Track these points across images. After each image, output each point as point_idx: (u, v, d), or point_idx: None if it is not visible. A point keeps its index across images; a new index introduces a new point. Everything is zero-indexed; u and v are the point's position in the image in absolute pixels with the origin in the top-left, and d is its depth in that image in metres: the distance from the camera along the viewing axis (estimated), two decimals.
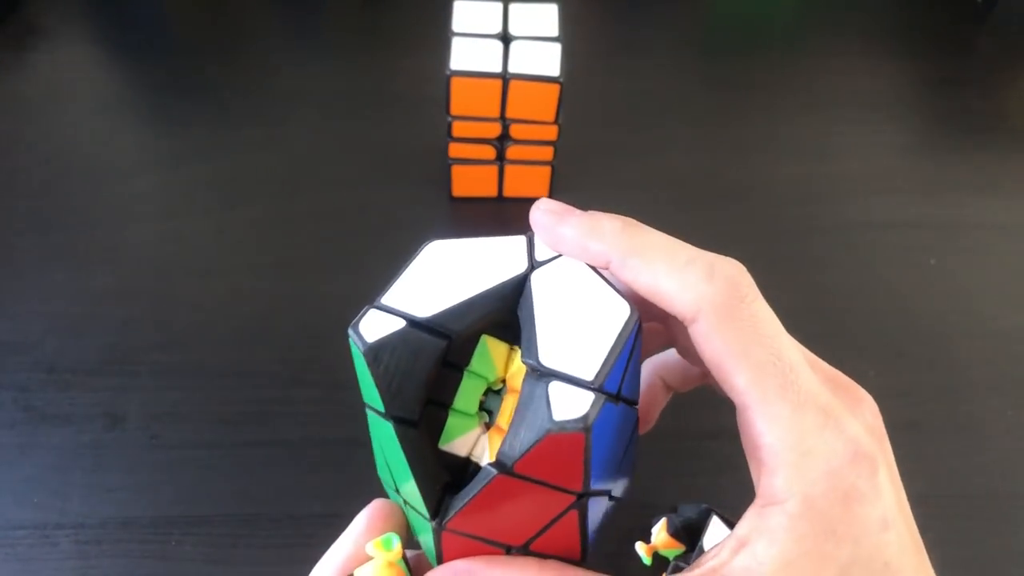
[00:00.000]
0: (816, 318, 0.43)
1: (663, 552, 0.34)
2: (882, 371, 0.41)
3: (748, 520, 0.21)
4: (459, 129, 0.43)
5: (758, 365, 0.21)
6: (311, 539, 0.35)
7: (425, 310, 0.22)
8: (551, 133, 0.44)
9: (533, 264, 0.23)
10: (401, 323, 0.22)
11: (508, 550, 0.23)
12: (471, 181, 0.46)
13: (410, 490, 0.22)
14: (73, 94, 0.53)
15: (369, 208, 0.47)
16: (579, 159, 0.48)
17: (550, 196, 0.47)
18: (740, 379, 0.21)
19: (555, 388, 0.20)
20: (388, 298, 0.22)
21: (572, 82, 0.41)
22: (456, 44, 0.41)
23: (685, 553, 0.34)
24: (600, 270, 0.22)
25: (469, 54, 0.41)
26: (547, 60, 0.41)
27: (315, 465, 0.37)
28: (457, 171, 0.46)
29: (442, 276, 0.23)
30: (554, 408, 0.20)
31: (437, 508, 0.22)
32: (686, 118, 0.53)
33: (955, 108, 0.55)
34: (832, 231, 0.47)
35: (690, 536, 0.33)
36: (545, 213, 0.23)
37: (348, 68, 0.56)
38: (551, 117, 0.43)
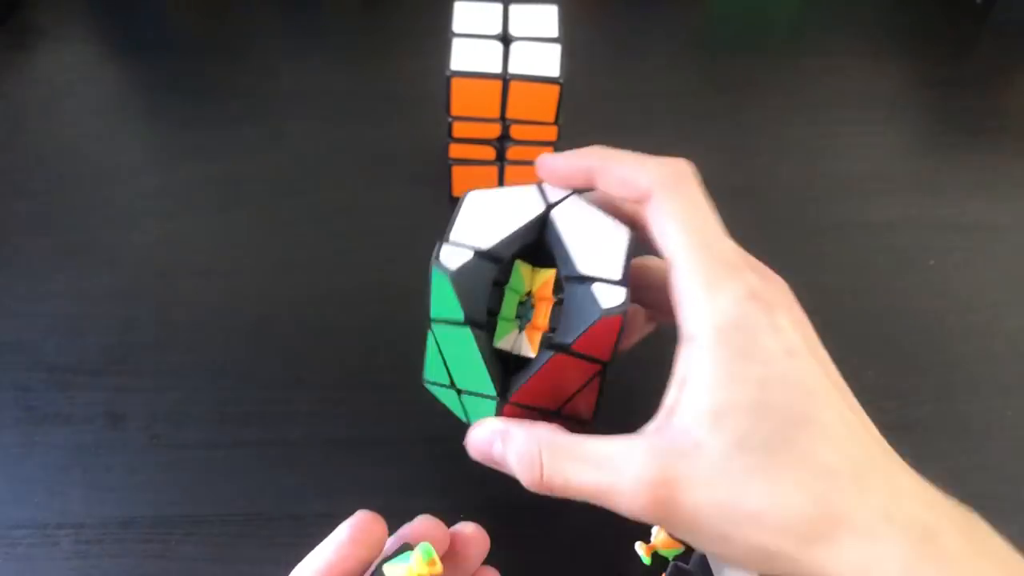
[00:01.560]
0: (815, 318, 0.43)
1: (662, 552, 0.34)
2: (881, 371, 0.41)
3: (680, 360, 0.26)
4: (459, 130, 0.43)
5: (688, 228, 0.27)
6: (312, 538, 0.35)
7: (483, 243, 0.29)
8: (551, 134, 0.44)
9: (548, 204, 0.30)
10: (469, 253, 0.28)
11: (546, 414, 0.30)
12: (471, 181, 0.46)
13: (475, 378, 0.30)
14: (74, 94, 0.53)
15: (369, 208, 0.47)
16: None
17: None
18: (674, 238, 0.27)
19: (597, 287, 0.27)
20: (453, 236, 0.29)
21: (572, 83, 0.41)
22: (456, 45, 0.41)
23: (684, 553, 0.34)
24: (596, 206, 0.30)
25: (469, 55, 0.41)
26: (547, 61, 0.41)
27: (316, 465, 0.37)
28: (457, 171, 0.46)
29: (485, 217, 0.29)
30: (601, 300, 0.27)
31: (500, 386, 0.29)
32: (686, 119, 0.54)
33: (954, 108, 0.55)
34: (831, 231, 0.47)
35: None
36: (543, 157, 0.31)
37: (348, 68, 0.56)
38: (551, 118, 0.43)
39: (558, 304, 0.30)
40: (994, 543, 0.25)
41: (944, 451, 0.39)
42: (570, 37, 0.42)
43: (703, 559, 0.32)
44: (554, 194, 0.30)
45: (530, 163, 0.46)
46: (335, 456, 0.37)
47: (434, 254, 0.28)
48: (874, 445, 0.26)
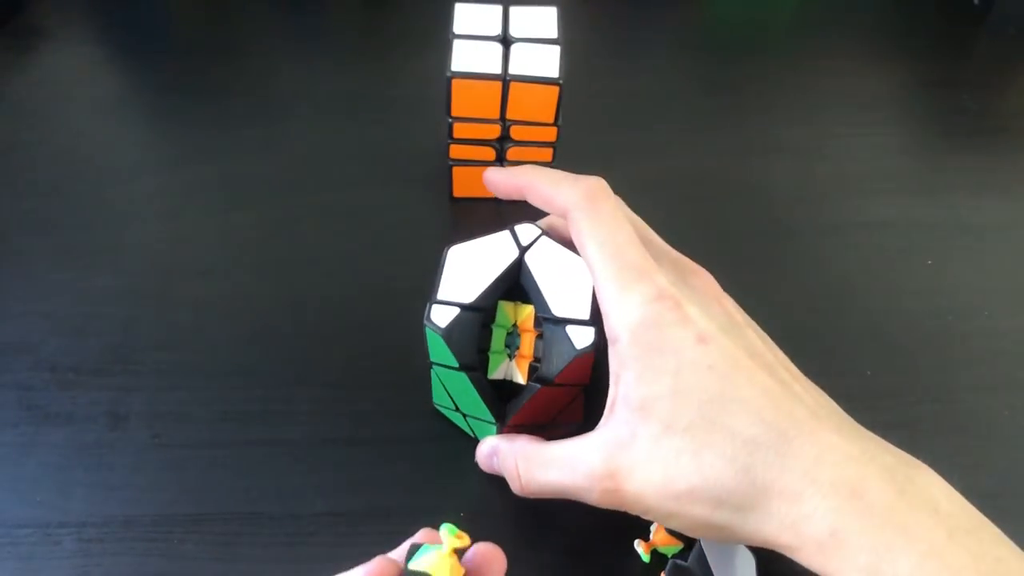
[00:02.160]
0: (813, 318, 0.43)
1: (661, 550, 0.34)
2: (879, 370, 0.41)
3: (611, 360, 0.29)
4: (460, 130, 0.44)
5: (599, 241, 0.30)
6: (312, 537, 0.35)
7: (468, 297, 0.33)
8: (550, 134, 0.44)
9: (521, 248, 0.34)
10: (456, 310, 0.32)
11: (544, 427, 0.35)
12: (472, 182, 0.47)
13: (476, 408, 0.34)
14: (75, 95, 0.53)
15: (370, 209, 0.47)
16: (578, 160, 0.48)
17: None
18: (589, 251, 0.31)
19: (571, 328, 0.32)
20: (441, 294, 0.33)
21: (571, 84, 0.41)
22: (457, 46, 0.42)
23: (683, 550, 0.34)
24: (561, 243, 0.34)
25: (469, 56, 0.41)
26: (546, 62, 0.41)
27: (316, 464, 0.37)
28: (458, 172, 0.46)
29: (467, 271, 0.33)
30: (574, 341, 0.31)
31: (499, 413, 0.34)
32: (685, 119, 0.54)
33: (952, 109, 0.55)
34: (829, 231, 0.48)
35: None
36: (488, 172, 0.36)
37: (349, 69, 0.56)
38: (550, 118, 0.43)
39: (540, 337, 0.34)
40: (931, 494, 0.26)
41: (940, 451, 0.39)
42: (569, 38, 0.42)
43: (701, 556, 0.32)
44: (526, 236, 0.34)
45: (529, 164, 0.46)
46: (335, 456, 0.38)
47: (425, 314, 0.32)
48: (800, 410, 0.27)
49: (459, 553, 0.25)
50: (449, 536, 0.24)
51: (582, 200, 0.31)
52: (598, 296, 0.30)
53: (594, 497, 0.29)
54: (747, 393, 0.27)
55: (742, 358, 0.28)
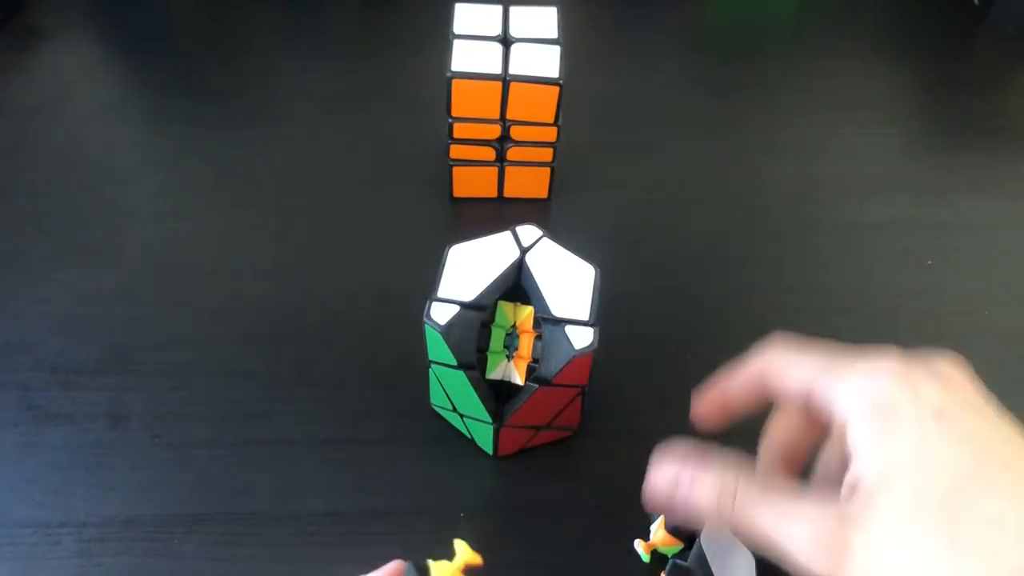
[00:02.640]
0: (813, 318, 0.43)
1: (662, 550, 0.34)
2: None
3: (850, 438, 0.26)
4: (460, 131, 0.44)
5: (798, 354, 0.29)
6: (312, 536, 0.35)
7: (468, 295, 0.33)
8: (551, 134, 0.44)
9: (522, 249, 0.34)
10: (456, 308, 0.32)
11: (538, 428, 0.35)
12: (471, 182, 0.47)
13: (473, 407, 0.34)
14: (76, 96, 0.53)
15: (371, 208, 0.47)
16: (578, 160, 0.48)
17: (549, 197, 0.48)
18: (791, 369, 0.28)
19: (570, 329, 0.32)
20: (441, 292, 0.33)
21: (571, 84, 0.41)
22: (457, 46, 0.42)
23: (683, 550, 0.34)
24: (563, 245, 0.34)
25: (470, 56, 0.41)
26: (547, 62, 0.41)
27: (316, 463, 0.37)
28: (458, 172, 0.46)
29: (468, 270, 0.33)
30: (573, 341, 0.31)
31: (495, 414, 0.34)
32: (685, 119, 0.54)
33: (952, 109, 0.55)
34: (830, 231, 0.48)
35: (688, 533, 0.34)
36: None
37: (350, 70, 0.56)
38: (551, 118, 0.43)
39: (539, 338, 0.34)
40: None
41: None
42: (570, 39, 0.42)
43: (702, 556, 0.32)
44: (527, 238, 0.35)
45: (530, 164, 0.46)
46: (335, 456, 0.38)
47: (425, 311, 0.32)
48: None
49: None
50: (465, 550, 0.25)
51: (767, 356, 0.29)
52: (815, 394, 0.28)
53: (808, 570, 0.25)
54: (1006, 479, 0.24)
55: (990, 440, 0.25)
